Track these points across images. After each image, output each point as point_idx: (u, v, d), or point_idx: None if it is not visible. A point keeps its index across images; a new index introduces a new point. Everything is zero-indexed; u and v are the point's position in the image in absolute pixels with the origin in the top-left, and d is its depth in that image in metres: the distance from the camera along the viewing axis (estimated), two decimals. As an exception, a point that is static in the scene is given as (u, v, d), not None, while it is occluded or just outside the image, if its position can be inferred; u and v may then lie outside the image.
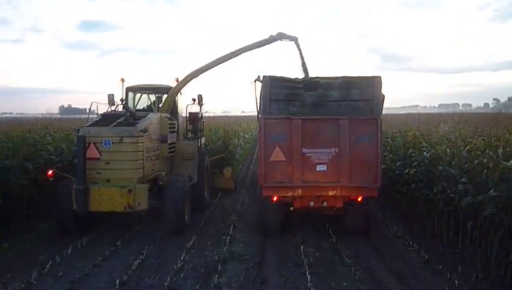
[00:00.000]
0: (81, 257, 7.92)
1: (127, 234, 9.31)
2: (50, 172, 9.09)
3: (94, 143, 8.80)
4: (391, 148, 12.06)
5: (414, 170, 9.69)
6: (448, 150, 9.10)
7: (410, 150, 10.77)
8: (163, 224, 9.35)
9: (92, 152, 8.75)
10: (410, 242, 8.77)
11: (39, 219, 10.25)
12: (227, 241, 8.90)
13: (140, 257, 7.89)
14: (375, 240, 9.11)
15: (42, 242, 8.88)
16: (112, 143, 8.80)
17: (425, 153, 9.86)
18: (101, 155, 8.81)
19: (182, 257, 7.85)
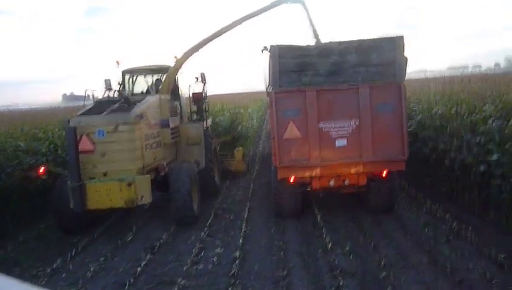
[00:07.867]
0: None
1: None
2: (42, 169, 8.26)
3: (87, 134, 7.91)
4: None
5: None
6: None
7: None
8: (171, 216, 8.55)
9: (84, 144, 7.85)
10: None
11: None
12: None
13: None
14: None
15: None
16: (106, 133, 7.90)
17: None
18: (95, 147, 7.93)
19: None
